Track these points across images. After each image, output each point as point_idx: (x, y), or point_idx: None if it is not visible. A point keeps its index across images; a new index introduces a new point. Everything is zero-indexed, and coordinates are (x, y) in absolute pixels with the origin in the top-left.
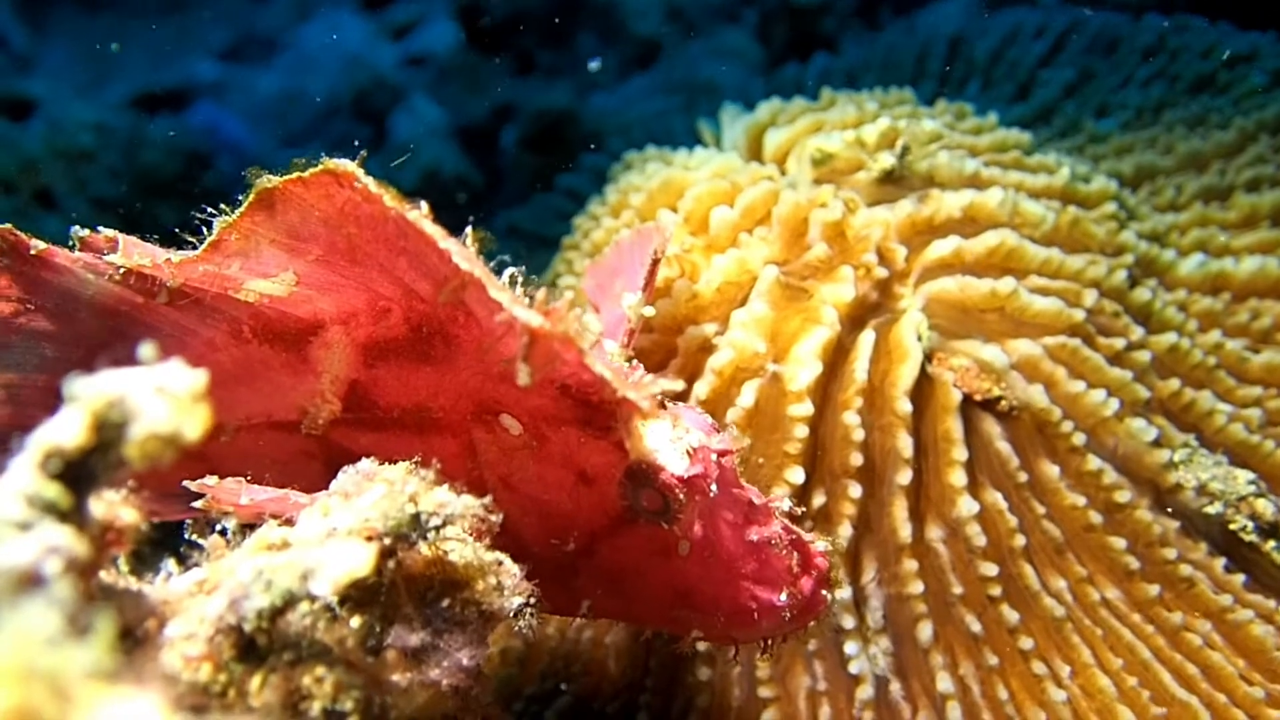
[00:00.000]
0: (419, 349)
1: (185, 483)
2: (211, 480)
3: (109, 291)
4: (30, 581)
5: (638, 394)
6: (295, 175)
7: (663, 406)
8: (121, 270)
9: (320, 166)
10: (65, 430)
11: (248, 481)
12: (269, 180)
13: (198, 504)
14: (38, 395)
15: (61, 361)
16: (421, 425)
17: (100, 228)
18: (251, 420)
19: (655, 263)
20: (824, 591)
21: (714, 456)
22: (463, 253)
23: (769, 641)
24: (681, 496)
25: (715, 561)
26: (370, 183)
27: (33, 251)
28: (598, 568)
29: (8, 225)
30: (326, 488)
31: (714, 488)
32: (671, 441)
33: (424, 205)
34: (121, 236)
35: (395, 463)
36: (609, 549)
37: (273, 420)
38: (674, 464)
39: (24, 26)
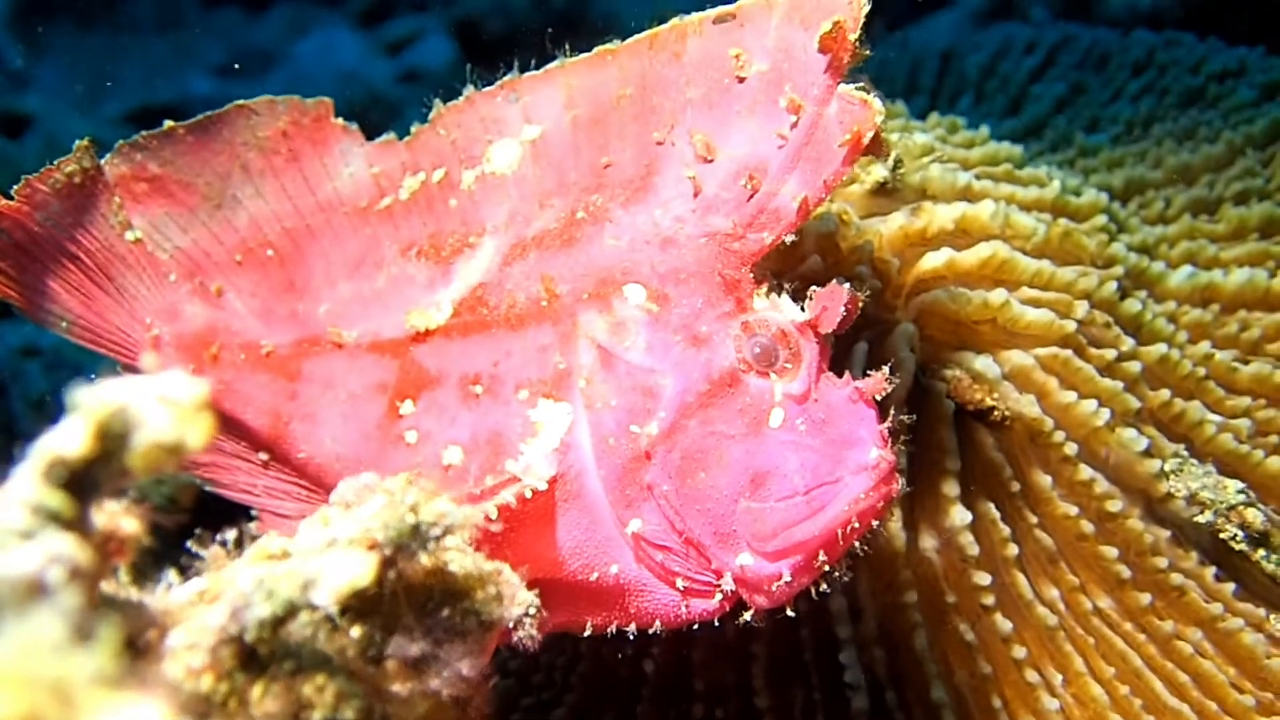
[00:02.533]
0: (564, 236)
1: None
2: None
3: (353, 181)
4: (34, 590)
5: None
6: (643, 35)
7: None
8: (376, 169)
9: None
10: (68, 439)
11: (309, 414)
12: (611, 44)
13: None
14: (234, 235)
15: (275, 216)
16: (522, 317)
17: None
18: (360, 340)
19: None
20: (899, 475)
21: (844, 294)
22: None
23: (813, 566)
24: (793, 346)
25: (809, 424)
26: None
27: (332, 121)
28: (677, 452)
29: (327, 100)
30: (378, 437)
31: (836, 321)
32: (790, 298)
33: None
34: None
35: (471, 377)
36: (699, 423)
37: (377, 340)
38: (794, 312)
39: (19, 43)
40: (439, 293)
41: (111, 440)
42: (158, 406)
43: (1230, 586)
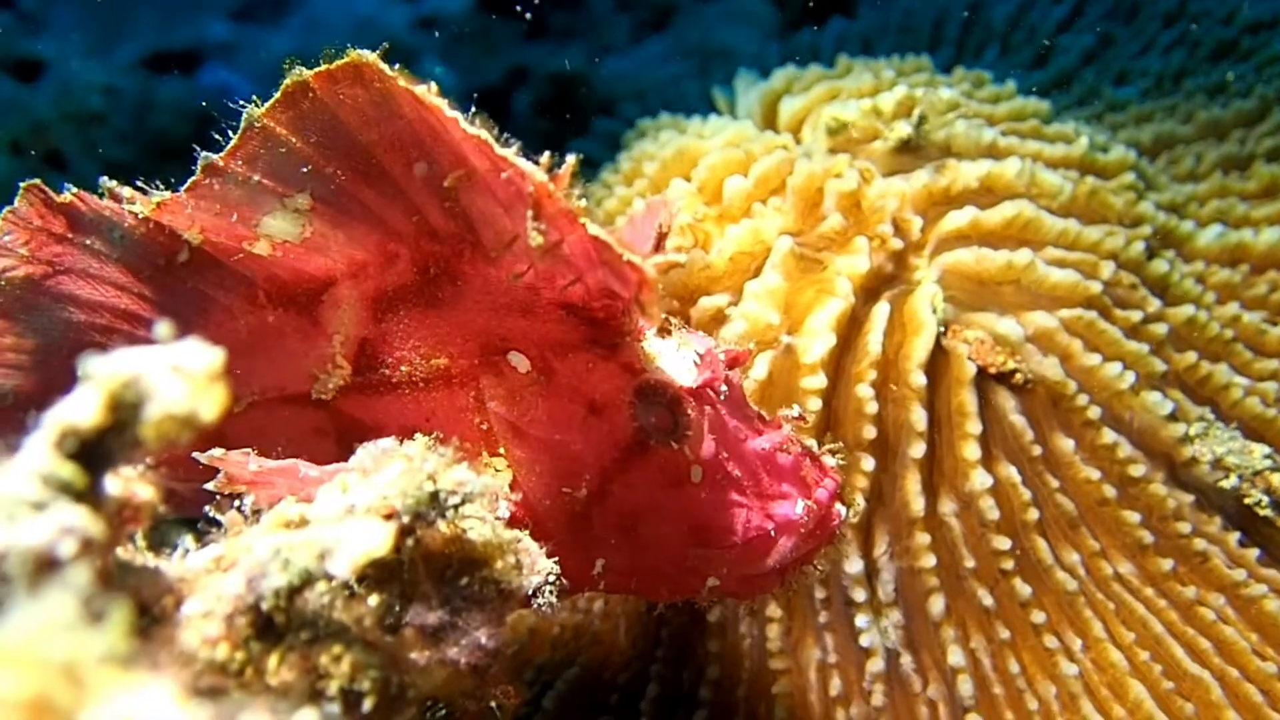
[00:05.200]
0: (426, 294)
1: (196, 455)
2: (219, 452)
3: (134, 254)
4: (45, 563)
5: (640, 259)
6: (323, 69)
7: (666, 331)
8: (146, 228)
9: (346, 58)
10: (81, 409)
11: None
12: (300, 73)
13: (210, 485)
14: (63, 362)
15: (87, 327)
16: (429, 381)
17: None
18: (266, 394)
19: (662, 237)
20: (839, 505)
21: (721, 362)
22: (469, 121)
23: (785, 578)
24: (690, 411)
25: (729, 481)
26: (390, 72)
27: (61, 199)
28: (611, 512)
29: (37, 181)
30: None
31: (724, 389)
32: (678, 349)
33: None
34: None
35: (406, 429)
36: (621, 487)
37: (286, 393)
38: (682, 375)
39: None
40: (321, 345)
41: (124, 411)
42: (171, 377)
43: (1254, 552)
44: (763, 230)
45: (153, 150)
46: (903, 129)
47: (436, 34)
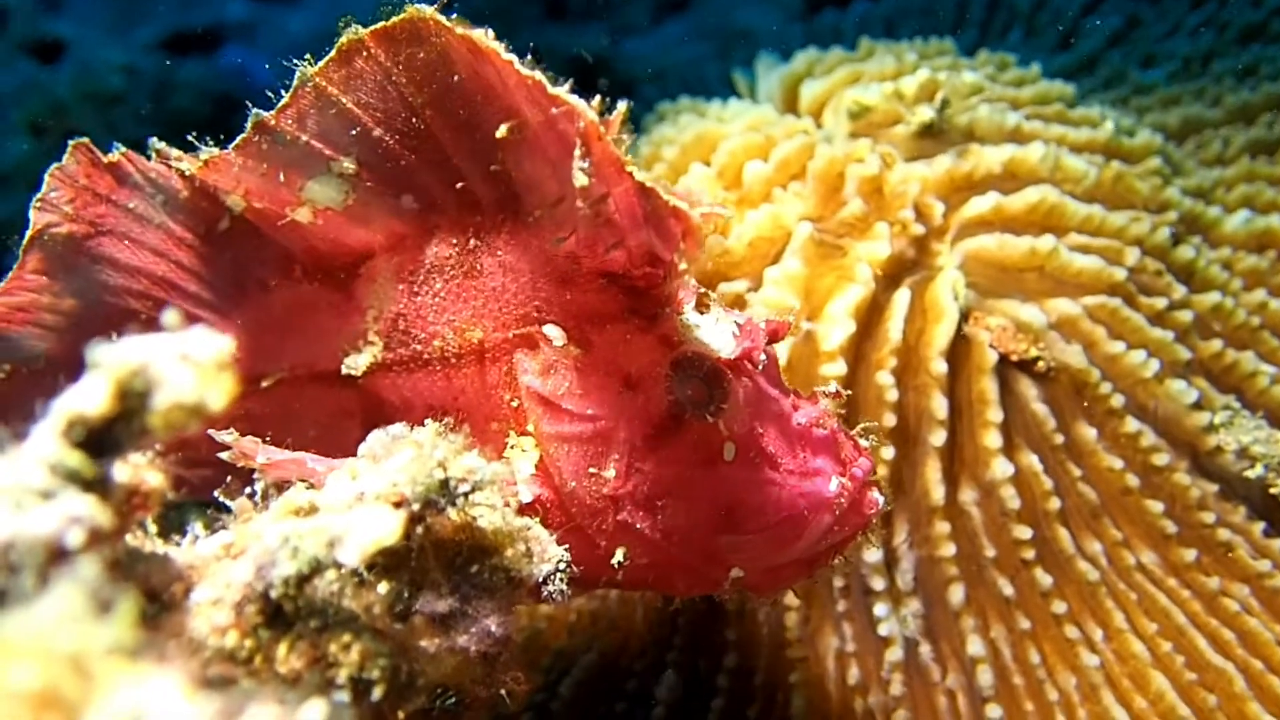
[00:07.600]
0: (465, 266)
1: (210, 432)
2: (230, 435)
3: (176, 220)
4: (53, 552)
5: (689, 205)
6: (379, 26)
7: (705, 306)
8: (190, 192)
9: (403, 14)
10: (89, 398)
11: (285, 445)
12: (356, 30)
13: (224, 454)
14: (96, 327)
15: (123, 291)
16: (460, 357)
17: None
18: (296, 370)
19: None
20: (874, 493)
21: (762, 332)
22: (526, 64)
23: (813, 570)
24: (728, 384)
25: (762, 458)
26: (447, 23)
27: (108, 159)
28: (640, 493)
29: (85, 140)
30: None
31: (762, 358)
32: (716, 323)
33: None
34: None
35: (434, 407)
36: (653, 465)
37: (315, 370)
38: (721, 346)
39: None
40: (354, 321)
41: (132, 399)
42: (178, 366)
43: (1279, 543)
44: (783, 216)
45: (172, 131)
46: (925, 113)
47: (455, 13)
